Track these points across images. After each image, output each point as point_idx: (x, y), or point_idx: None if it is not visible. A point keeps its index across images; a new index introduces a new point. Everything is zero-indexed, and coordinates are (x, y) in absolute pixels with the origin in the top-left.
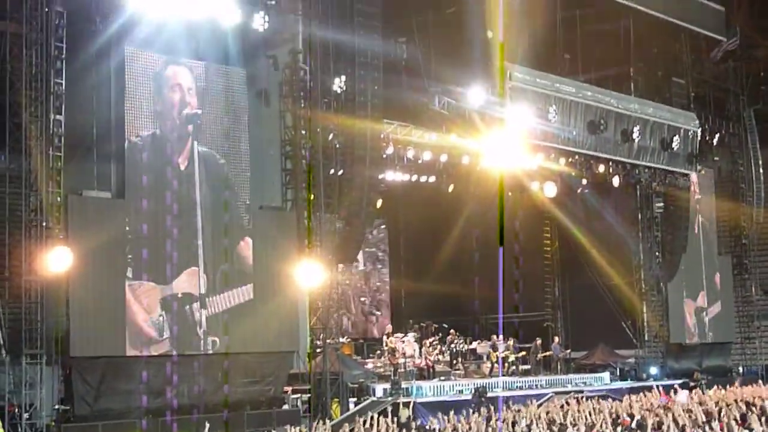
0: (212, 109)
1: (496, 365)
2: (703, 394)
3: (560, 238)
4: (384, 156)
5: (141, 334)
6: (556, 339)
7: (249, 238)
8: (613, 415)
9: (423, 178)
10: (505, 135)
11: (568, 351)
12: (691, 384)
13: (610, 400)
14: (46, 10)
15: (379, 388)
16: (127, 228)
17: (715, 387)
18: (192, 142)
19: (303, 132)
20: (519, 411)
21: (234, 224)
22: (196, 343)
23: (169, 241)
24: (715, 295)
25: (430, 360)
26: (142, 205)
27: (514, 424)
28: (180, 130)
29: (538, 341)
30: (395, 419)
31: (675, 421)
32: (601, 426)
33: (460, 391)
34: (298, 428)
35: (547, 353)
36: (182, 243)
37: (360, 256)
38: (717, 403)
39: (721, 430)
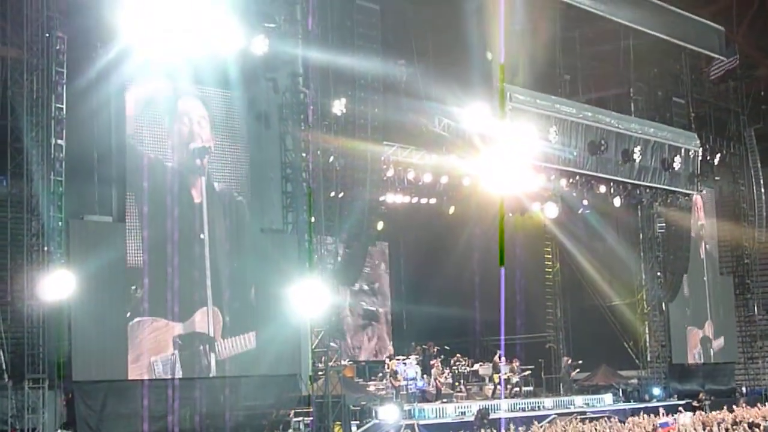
0: (214, 134)
1: (498, 387)
2: (707, 414)
3: (561, 258)
4: (384, 178)
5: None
6: (565, 359)
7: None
8: None
9: (423, 200)
10: (506, 156)
11: (577, 371)
12: (695, 404)
13: (612, 420)
14: (47, 35)
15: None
16: (130, 261)
17: (719, 408)
18: (203, 178)
19: (303, 155)
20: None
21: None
22: (200, 368)
23: (177, 278)
24: (720, 326)
25: (439, 382)
26: (145, 236)
27: None
28: (189, 163)
29: (568, 360)
30: None
31: None
32: None
33: (463, 413)
34: None
35: (577, 370)
36: (190, 280)
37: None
38: (720, 424)
39: None
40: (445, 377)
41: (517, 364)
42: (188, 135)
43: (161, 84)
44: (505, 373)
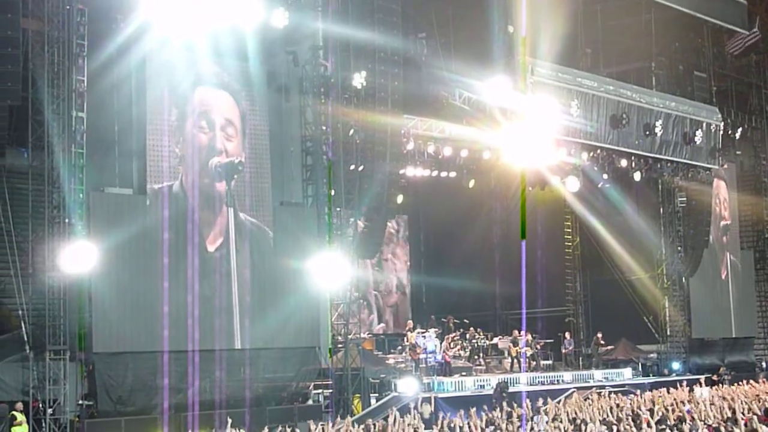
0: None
1: (515, 361)
2: (722, 387)
3: (582, 232)
4: (404, 151)
5: None
6: (567, 335)
7: None
8: (635, 411)
9: (444, 174)
10: (527, 129)
11: (572, 348)
12: (715, 379)
13: (631, 395)
14: (68, 7)
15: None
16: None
17: (738, 382)
18: (227, 210)
19: (323, 128)
20: (540, 406)
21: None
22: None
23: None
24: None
25: (447, 355)
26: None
27: (534, 419)
28: (209, 188)
29: (599, 335)
30: (418, 414)
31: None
32: (621, 422)
33: (482, 387)
34: (319, 424)
35: (608, 347)
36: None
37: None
38: (740, 399)
39: (744, 425)
40: (462, 348)
41: (529, 337)
42: (207, 148)
43: (181, 58)
44: (524, 347)
